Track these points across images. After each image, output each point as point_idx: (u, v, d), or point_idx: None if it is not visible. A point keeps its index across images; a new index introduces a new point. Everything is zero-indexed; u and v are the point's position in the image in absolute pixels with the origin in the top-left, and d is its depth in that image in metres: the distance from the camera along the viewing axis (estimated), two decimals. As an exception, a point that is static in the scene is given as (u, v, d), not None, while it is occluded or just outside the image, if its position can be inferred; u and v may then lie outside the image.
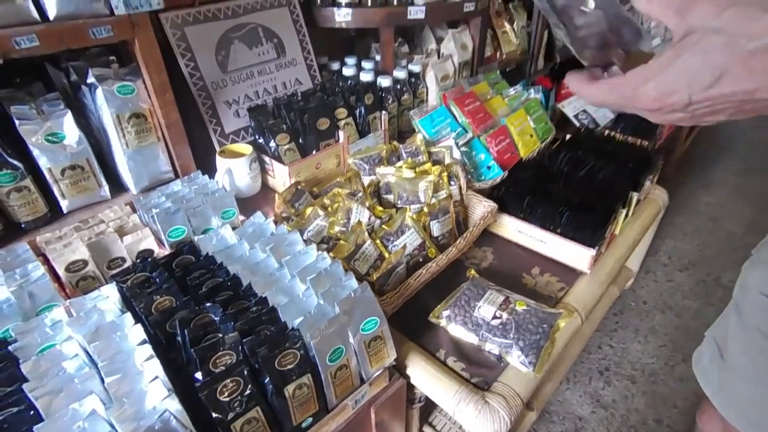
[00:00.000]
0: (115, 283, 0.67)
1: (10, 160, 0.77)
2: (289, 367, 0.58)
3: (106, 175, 0.89)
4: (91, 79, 0.81)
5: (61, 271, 0.70)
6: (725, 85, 0.31)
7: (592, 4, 0.37)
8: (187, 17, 0.97)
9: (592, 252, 0.92)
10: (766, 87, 0.30)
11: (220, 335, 0.59)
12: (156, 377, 0.53)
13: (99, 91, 0.81)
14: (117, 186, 0.94)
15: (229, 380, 0.54)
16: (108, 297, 0.65)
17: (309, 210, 0.89)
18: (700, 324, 1.54)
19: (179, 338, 0.60)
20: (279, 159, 1.03)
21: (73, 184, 0.84)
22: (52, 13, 0.70)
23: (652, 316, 1.58)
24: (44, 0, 0.69)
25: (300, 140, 1.07)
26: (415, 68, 1.34)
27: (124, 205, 0.87)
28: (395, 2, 1.20)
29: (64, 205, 0.85)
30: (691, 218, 2.07)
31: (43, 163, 0.79)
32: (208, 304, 0.63)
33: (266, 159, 1.06)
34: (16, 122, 0.77)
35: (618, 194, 1.05)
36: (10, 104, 0.78)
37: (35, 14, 0.69)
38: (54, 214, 0.85)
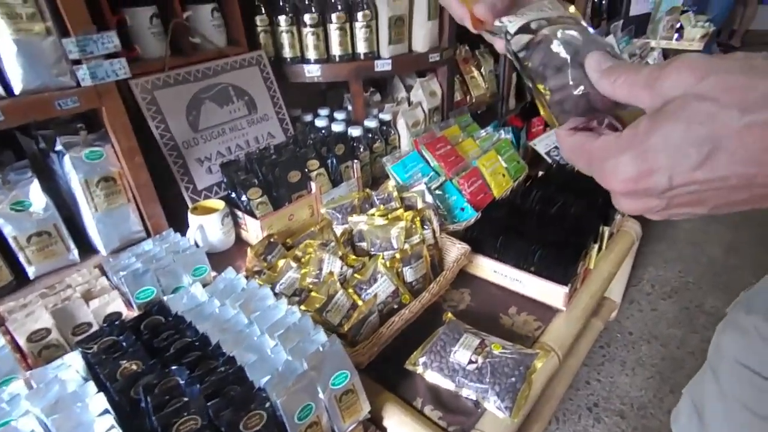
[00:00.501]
0: (79, 350, 0.66)
1: (-25, 230, 0.77)
2: (256, 429, 0.56)
3: (76, 238, 0.89)
4: (59, 147, 0.83)
5: (22, 342, 0.69)
6: (717, 167, 0.24)
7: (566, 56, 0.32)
8: (157, 82, 1.00)
9: (566, 289, 0.92)
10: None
11: (185, 399, 0.57)
12: (114, 451, 0.51)
13: (66, 158, 0.82)
14: (87, 248, 0.94)
15: (191, 449, 0.52)
16: (71, 365, 0.63)
17: (281, 262, 0.89)
18: (685, 353, 1.53)
19: (143, 405, 0.58)
20: (251, 213, 1.04)
21: (39, 250, 0.83)
22: (17, 89, 0.71)
23: (639, 347, 1.57)
24: (10, 76, 0.70)
25: (273, 193, 1.08)
26: (386, 117, 1.38)
27: (93, 267, 0.86)
28: (362, 56, 1.26)
29: (31, 271, 0.84)
30: (672, 245, 2.10)
31: (8, 231, 0.79)
32: (174, 367, 0.62)
33: (239, 213, 1.07)
34: (-19, 193, 0.77)
35: (589, 229, 1.06)
36: (-24, 176, 0.79)
37: (0, 90, 0.70)
38: (20, 281, 0.84)
